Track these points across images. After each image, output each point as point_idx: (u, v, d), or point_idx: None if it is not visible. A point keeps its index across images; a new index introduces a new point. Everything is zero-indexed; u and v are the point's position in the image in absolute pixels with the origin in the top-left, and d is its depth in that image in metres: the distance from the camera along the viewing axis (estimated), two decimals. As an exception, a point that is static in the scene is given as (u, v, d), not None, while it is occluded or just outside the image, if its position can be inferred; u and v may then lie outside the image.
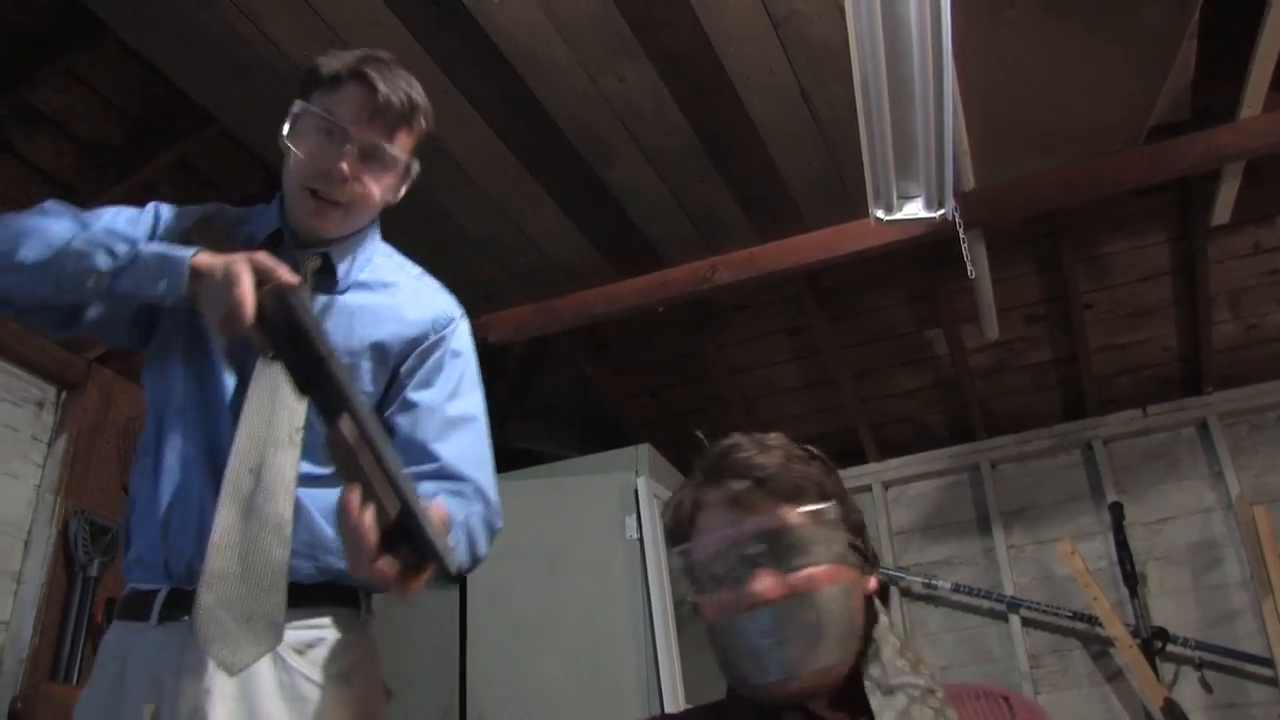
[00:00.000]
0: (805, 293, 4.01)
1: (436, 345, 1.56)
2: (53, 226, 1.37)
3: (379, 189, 1.51)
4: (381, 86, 1.47)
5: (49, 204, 1.45)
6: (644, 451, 3.75)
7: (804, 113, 2.98)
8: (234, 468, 1.32)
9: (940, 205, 2.72)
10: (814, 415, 4.52)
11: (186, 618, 1.34)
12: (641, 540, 3.52)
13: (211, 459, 1.41)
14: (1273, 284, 3.91)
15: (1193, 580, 3.97)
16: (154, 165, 3.04)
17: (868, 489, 4.50)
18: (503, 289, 3.74)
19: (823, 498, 1.19)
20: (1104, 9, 2.44)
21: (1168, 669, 3.84)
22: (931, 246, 3.53)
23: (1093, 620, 3.91)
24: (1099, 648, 3.99)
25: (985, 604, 4.18)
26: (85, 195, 3.00)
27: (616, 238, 3.53)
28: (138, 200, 3.17)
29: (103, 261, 1.33)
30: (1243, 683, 3.77)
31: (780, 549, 1.14)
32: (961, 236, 2.92)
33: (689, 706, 1.36)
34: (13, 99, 2.76)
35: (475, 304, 3.83)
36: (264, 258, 1.32)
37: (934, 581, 4.23)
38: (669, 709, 3.16)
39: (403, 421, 1.50)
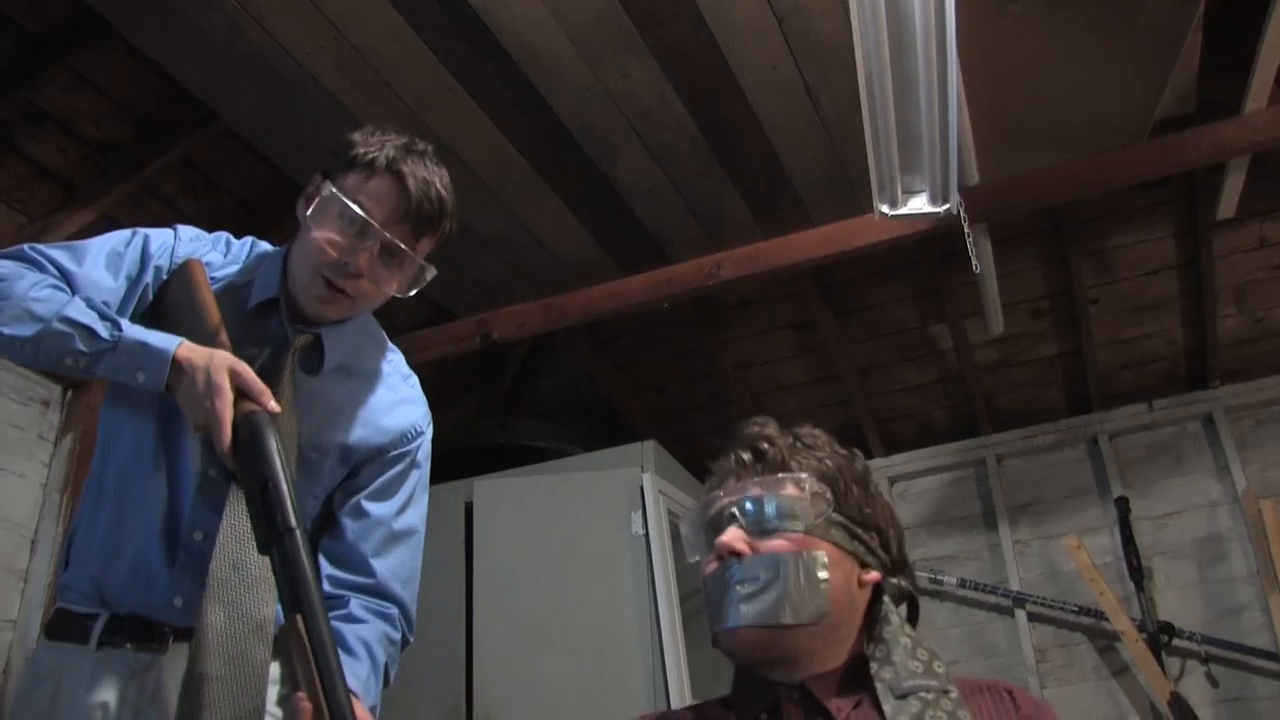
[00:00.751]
0: (810, 288, 4.01)
1: (401, 458, 1.57)
2: (33, 294, 1.33)
3: (391, 287, 1.48)
4: (415, 189, 1.43)
5: (26, 249, 1.40)
6: (649, 448, 3.75)
7: (808, 108, 2.97)
8: (217, 564, 1.30)
9: (945, 200, 2.72)
10: (819, 410, 4.51)
11: (129, 645, 1.36)
12: (647, 536, 3.52)
13: (170, 522, 1.40)
14: (1278, 277, 3.91)
15: (1199, 574, 3.97)
16: (158, 164, 3.05)
17: (873, 484, 4.49)
18: (508, 286, 3.74)
19: (821, 478, 1.24)
20: (1109, 3, 2.43)
21: (1174, 663, 3.83)
22: (936, 241, 3.52)
23: (1099, 615, 3.90)
24: (1105, 642, 3.99)
25: (991, 599, 4.18)
26: (89, 194, 3.00)
27: (621, 234, 3.53)
28: (141, 199, 3.19)
29: (84, 344, 1.30)
30: (1249, 676, 3.77)
31: (754, 513, 1.22)
32: (966, 231, 2.91)
33: (695, 702, 1.36)
34: (18, 99, 2.77)
35: (480, 301, 3.85)
36: (248, 374, 1.29)
37: (940, 576, 4.23)
38: (675, 705, 3.16)
39: (350, 526, 1.50)
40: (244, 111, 2.93)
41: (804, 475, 1.23)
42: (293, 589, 1.15)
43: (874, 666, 1.17)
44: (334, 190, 1.43)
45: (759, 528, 1.21)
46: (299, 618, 1.13)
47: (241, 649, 1.26)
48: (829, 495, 1.23)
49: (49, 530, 3.11)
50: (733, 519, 1.22)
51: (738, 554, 1.19)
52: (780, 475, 1.24)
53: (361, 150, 1.44)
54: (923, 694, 1.13)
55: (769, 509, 1.22)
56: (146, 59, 2.79)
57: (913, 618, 1.26)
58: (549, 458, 4.01)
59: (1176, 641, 3.80)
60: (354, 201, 1.41)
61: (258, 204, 3.36)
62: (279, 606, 1.26)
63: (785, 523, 1.20)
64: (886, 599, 1.22)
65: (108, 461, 1.46)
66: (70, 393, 3.31)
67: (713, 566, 1.22)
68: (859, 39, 2.22)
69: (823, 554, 1.19)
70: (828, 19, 2.65)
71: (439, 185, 1.47)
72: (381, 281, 1.46)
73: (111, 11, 2.60)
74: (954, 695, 1.14)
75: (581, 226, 3.48)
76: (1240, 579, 3.91)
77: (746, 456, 1.27)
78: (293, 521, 1.19)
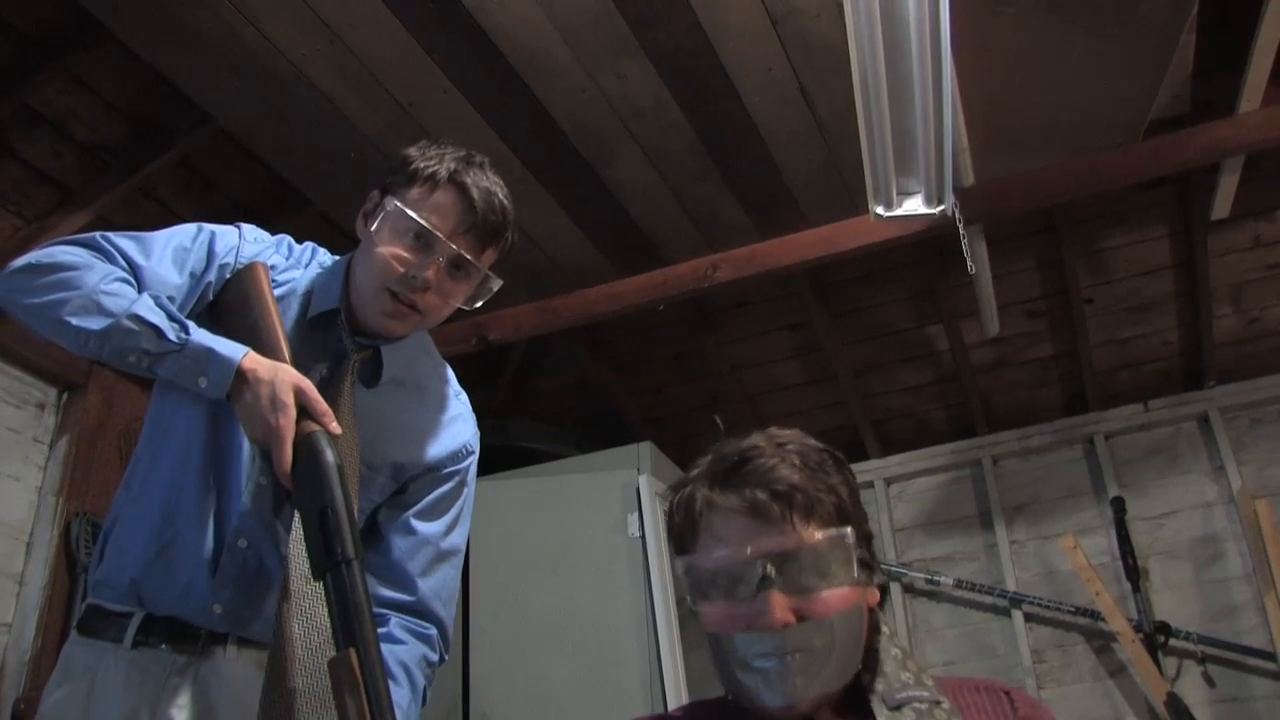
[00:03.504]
0: (806, 289, 4.01)
1: (451, 476, 1.57)
2: (104, 288, 1.31)
3: (458, 300, 1.50)
4: (479, 199, 1.44)
5: (98, 238, 1.39)
6: (646, 449, 3.75)
7: (803, 110, 2.98)
8: (293, 576, 1.29)
9: (940, 201, 2.72)
10: (816, 412, 4.52)
11: (164, 645, 1.35)
12: (644, 538, 3.52)
13: (216, 528, 1.40)
14: (1273, 278, 3.91)
15: (1195, 574, 3.97)
16: (153, 166, 3.04)
17: (870, 485, 4.50)
18: (504, 288, 3.73)
19: (842, 514, 1.15)
20: (1103, 4, 2.44)
21: (1170, 663, 3.84)
22: (932, 243, 3.53)
23: (1095, 615, 3.91)
24: (1102, 643, 3.99)
25: (988, 600, 4.18)
26: (85, 197, 3.00)
27: (617, 236, 3.53)
28: (137, 201, 3.19)
29: (149, 344, 1.29)
30: (1245, 676, 3.77)
31: (793, 570, 1.10)
32: (961, 232, 2.92)
33: (687, 702, 1.33)
34: (13, 101, 2.77)
35: (476, 303, 3.85)
36: (313, 393, 1.29)
37: (936, 577, 4.23)
38: (672, 707, 3.16)
39: (398, 544, 1.49)
40: (239, 114, 2.93)
41: (845, 530, 1.13)
42: (347, 622, 1.14)
43: (866, 679, 1.15)
44: (398, 204, 1.43)
45: (796, 587, 1.09)
46: (353, 652, 1.11)
47: (318, 661, 1.25)
48: (854, 538, 1.13)
49: (44, 534, 3.11)
50: (767, 582, 1.09)
51: (781, 624, 1.07)
52: (817, 532, 1.11)
53: (421, 164, 1.45)
54: (916, 704, 1.11)
55: (808, 568, 1.10)
56: (141, 61, 2.78)
57: (882, 603, 1.22)
58: (545, 459, 4.01)
59: (1173, 641, 3.80)
60: (419, 215, 1.42)
61: (254, 206, 3.36)
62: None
63: (824, 579, 1.10)
64: (877, 610, 1.19)
65: (155, 459, 1.44)
66: (66, 395, 3.31)
67: (739, 625, 1.10)
68: (854, 41, 2.22)
69: (858, 603, 1.13)
70: (823, 21, 2.65)
71: (501, 196, 1.48)
72: (448, 294, 1.47)
73: (106, 14, 2.59)
74: (946, 705, 1.13)
75: (577, 228, 3.48)
76: (1236, 579, 3.91)
77: (762, 496, 1.12)
78: (351, 552, 1.17)
